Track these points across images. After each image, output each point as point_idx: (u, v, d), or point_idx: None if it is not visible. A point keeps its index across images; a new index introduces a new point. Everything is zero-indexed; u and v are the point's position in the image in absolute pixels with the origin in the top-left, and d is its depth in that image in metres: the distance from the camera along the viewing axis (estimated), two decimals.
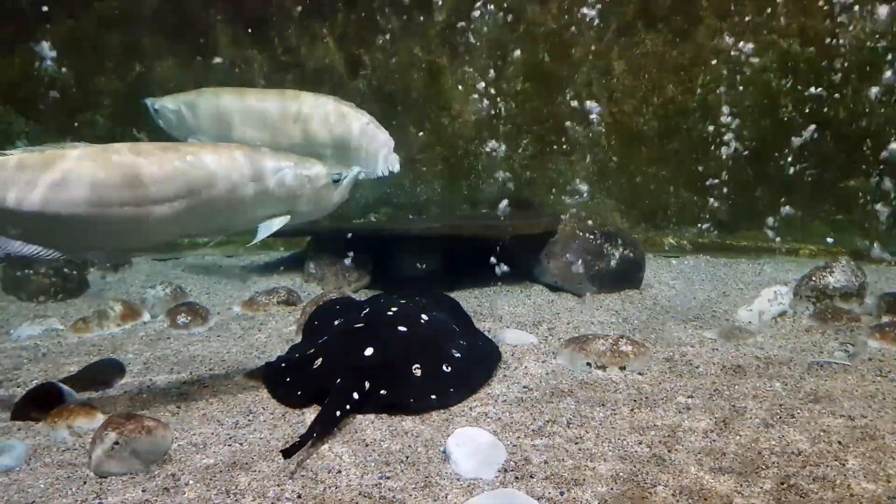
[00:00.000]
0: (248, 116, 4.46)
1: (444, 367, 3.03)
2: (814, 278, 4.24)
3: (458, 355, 3.15)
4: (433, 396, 2.91)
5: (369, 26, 5.71)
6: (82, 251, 2.84)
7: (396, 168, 4.49)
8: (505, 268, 4.39)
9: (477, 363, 3.24)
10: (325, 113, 4.44)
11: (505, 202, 4.80)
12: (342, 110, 4.46)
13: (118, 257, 2.98)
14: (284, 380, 3.13)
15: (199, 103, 4.52)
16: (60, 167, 2.71)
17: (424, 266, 4.75)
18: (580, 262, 4.48)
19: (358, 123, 4.45)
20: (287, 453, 2.45)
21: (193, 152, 2.98)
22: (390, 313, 3.35)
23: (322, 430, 2.64)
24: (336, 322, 3.52)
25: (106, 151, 2.84)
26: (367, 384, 2.89)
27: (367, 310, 3.48)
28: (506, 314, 4.16)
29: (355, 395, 2.84)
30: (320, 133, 4.45)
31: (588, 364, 3.31)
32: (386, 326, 3.23)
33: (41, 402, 2.93)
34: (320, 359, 3.10)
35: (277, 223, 3.23)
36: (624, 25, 5.55)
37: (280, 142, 4.35)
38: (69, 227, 2.75)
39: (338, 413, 2.74)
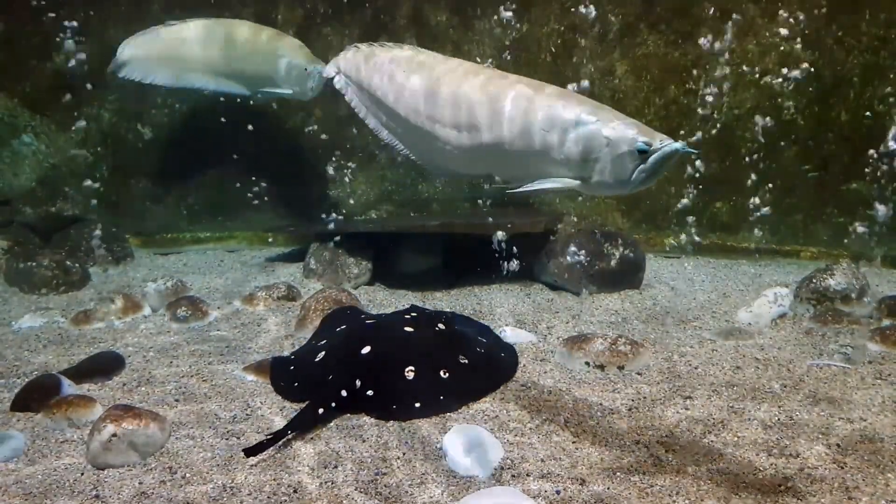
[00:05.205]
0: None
1: (442, 373, 2.94)
2: (814, 280, 4.23)
3: (464, 361, 3.04)
4: (417, 405, 2.80)
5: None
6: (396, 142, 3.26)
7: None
8: (513, 265, 4.35)
9: (485, 372, 3.10)
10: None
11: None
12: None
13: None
14: (285, 373, 3.13)
15: None
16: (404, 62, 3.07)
17: (424, 263, 4.76)
18: (580, 261, 4.47)
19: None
20: (250, 452, 2.44)
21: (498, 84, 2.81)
22: (408, 317, 3.25)
23: (298, 429, 2.62)
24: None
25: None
26: (358, 382, 2.85)
27: (388, 314, 3.40)
28: (505, 312, 4.16)
29: (343, 393, 2.81)
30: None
31: (586, 363, 3.31)
32: (392, 326, 3.16)
33: (41, 394, 2.95)
34: (323, 353, 3.10)
35: (559, 183, 2.66)
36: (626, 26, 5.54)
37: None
38: (397, 119, 3.14)
39: (320, 411, 2.71)
